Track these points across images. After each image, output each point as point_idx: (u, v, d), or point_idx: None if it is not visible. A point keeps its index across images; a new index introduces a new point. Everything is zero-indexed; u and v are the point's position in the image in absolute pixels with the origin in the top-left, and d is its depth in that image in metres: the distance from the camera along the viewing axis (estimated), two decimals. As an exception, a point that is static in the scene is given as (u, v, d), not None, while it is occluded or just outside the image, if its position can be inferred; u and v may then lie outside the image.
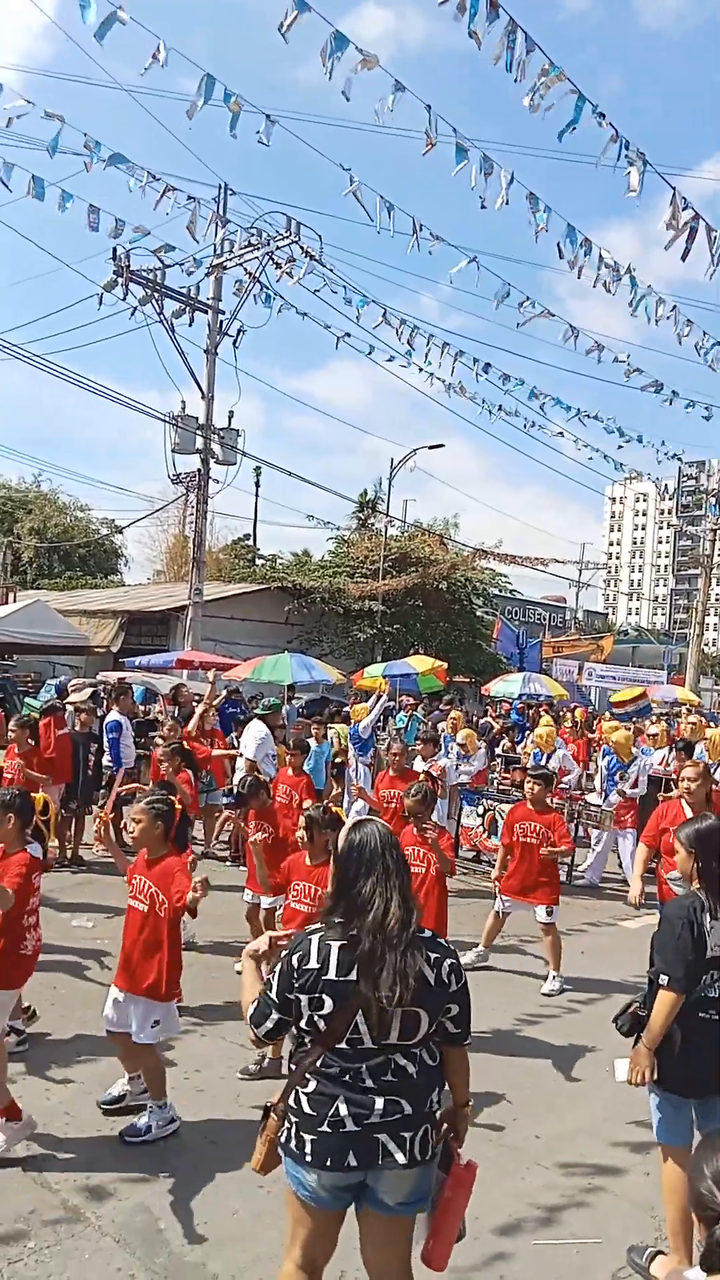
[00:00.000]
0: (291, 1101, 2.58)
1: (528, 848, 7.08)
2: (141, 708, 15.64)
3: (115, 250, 16.46)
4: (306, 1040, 2.58)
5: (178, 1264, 3.53)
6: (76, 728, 10.39)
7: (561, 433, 16.90)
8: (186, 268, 17.34)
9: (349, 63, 6.15)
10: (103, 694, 16.49)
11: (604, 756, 11.19)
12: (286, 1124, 2.60)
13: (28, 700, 14.88)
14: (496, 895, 7.42)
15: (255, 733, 9.91)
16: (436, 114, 6.46)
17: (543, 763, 10.95)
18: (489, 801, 10.72)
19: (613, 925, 9.18)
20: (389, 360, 15.02)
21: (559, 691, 20.39)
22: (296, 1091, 2.57)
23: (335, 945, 2.54)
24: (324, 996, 2.50)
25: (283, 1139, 2.61)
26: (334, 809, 4.88)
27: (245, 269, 18.63)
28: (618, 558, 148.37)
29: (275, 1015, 2.59)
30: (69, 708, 11.06)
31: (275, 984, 2.59)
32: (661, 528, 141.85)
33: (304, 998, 2.52)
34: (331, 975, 2.51)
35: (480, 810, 10.72)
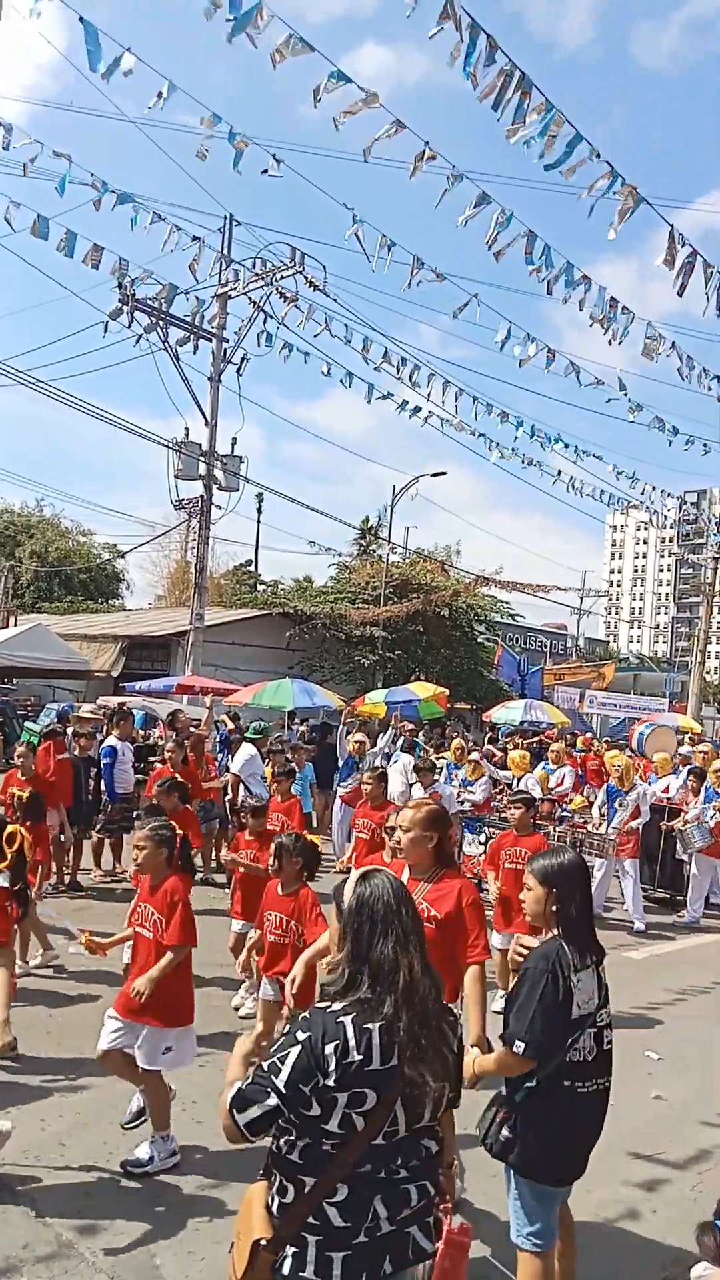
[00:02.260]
0: (312, 1219, 2.16)
1: (515, 874, 6.92)
2: (141, 732, 15.63)
3: (120, 279, 16.64)
4: (327, 1145, 2.15)
5: (174, 1300, 3.46)
6: (76, 753, 10.36)
7: (560, 471, 17.01)
8: (191, 298, 17.50)
9: (348, 98, 6.23)
10: (102, 719, 16.49)
11: (608, 794, 11.14)
12: (292, 1249, 2.17)
13: (27, 724, 14.82)
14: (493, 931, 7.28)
15: (244, 753, 10.14)
16: (434, 149, 6.53)
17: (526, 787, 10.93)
18: (491, 829, 10.59)
19: (614, 953, 9.09)
20: (384, 398, 15.09)
21: (560, 719, 20.37)
22: (321, 1206, 2.15)
23: (375, 1028, 2.16)
24: (367, 1091, 2.12)
25: (286, 1269, 2.16)
26: (309, 836, 4.85)
27: (249, 298, 18.83)
28: (619, 585, 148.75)
29: (272, 1103, 2.14)
30: (68, 732, 11.02)
31: (288, 1075, 2.13)
32: (663, 556, 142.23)
33: (342, 1095, 2.11)
34: (376, 1065, 2.14)
35: (482, 838, 10.54)
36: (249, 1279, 2.19)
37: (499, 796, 11.78)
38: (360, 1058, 2.13)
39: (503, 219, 7.06)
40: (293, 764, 9.14)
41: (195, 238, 12.21)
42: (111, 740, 10.94)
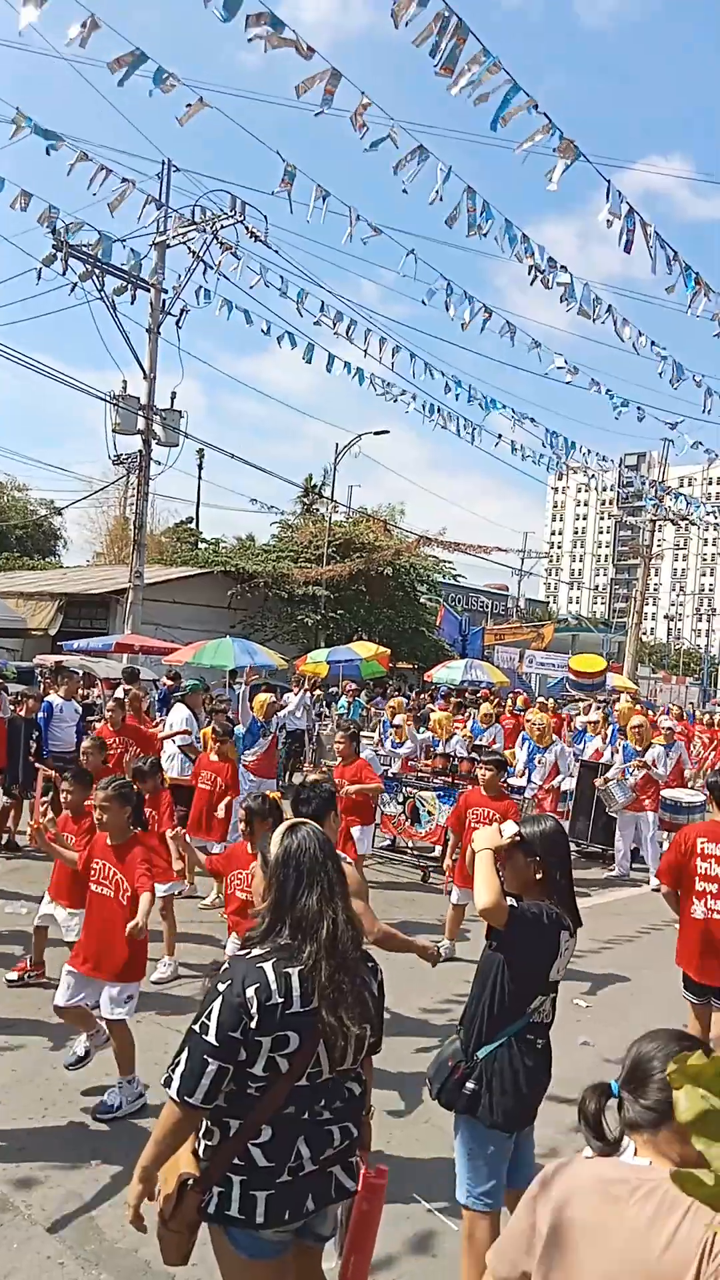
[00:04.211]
0: (237, 1160, 2.22)
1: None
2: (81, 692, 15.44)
3: (55, 224, 16.07)
4: (252, 1088, 2.21)
5: (109, 1250, 3.49)
6: (23, 713, 10.19)
7: (500, 435, 16.98)
8: (129, 246, 16.98)
9: (285, 46, 6.03)
10: (41, 678, 16.25)
11: (522, 744, 11.06)
12: (217, 1190, 2.23)
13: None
14: (452, 887, 7.40)
15: (180, 715, 10.00)
16: (370, 98, 6.38)
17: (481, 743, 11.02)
18: (408, 789, 10.54)
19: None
20: (328, 364, 14.87)
21: (500, 678, 20.62)
22: (245, 1147, 2.22)
23: (294, 972, 2.24)
24: (289, 1033, 2.19)
25: (211, 1207, 2.23)
26: (272, 795, 4.84)
27: (189, 248, 18.36)
28: (559, 547, 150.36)
29: (214, 1066, 2.16)
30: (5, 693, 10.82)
31: (215, 1026, 2.17)
32: (603, 518, 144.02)
33: (266, 1039, 2.17)
34: (297, 1007, 2.21)
35: (400, 798, 10.53)
36: (177, 1217, 2.24)
37: (416, 759, 11.76)
38: (281, 1000, 2.20)
39: (444, 171, 6.95)
40: (234, 724, 9.08)
41: (125, 179, 11.76)
42: (51, 697, 10.80)
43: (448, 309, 9.91)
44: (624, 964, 7.59)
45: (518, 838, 3.30)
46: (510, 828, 3.35)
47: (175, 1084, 2.19)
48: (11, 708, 10.36)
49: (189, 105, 6.91)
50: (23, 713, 10.20)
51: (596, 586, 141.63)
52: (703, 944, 4.93)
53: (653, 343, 9.94)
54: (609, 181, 6.95)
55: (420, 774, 11.22)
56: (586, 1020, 6.31)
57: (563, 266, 8.35)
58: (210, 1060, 2.16)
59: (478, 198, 7.37)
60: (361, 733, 10.06)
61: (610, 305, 9.05)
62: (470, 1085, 3.18)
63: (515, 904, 3.22)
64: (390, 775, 10.81)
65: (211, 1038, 2.16)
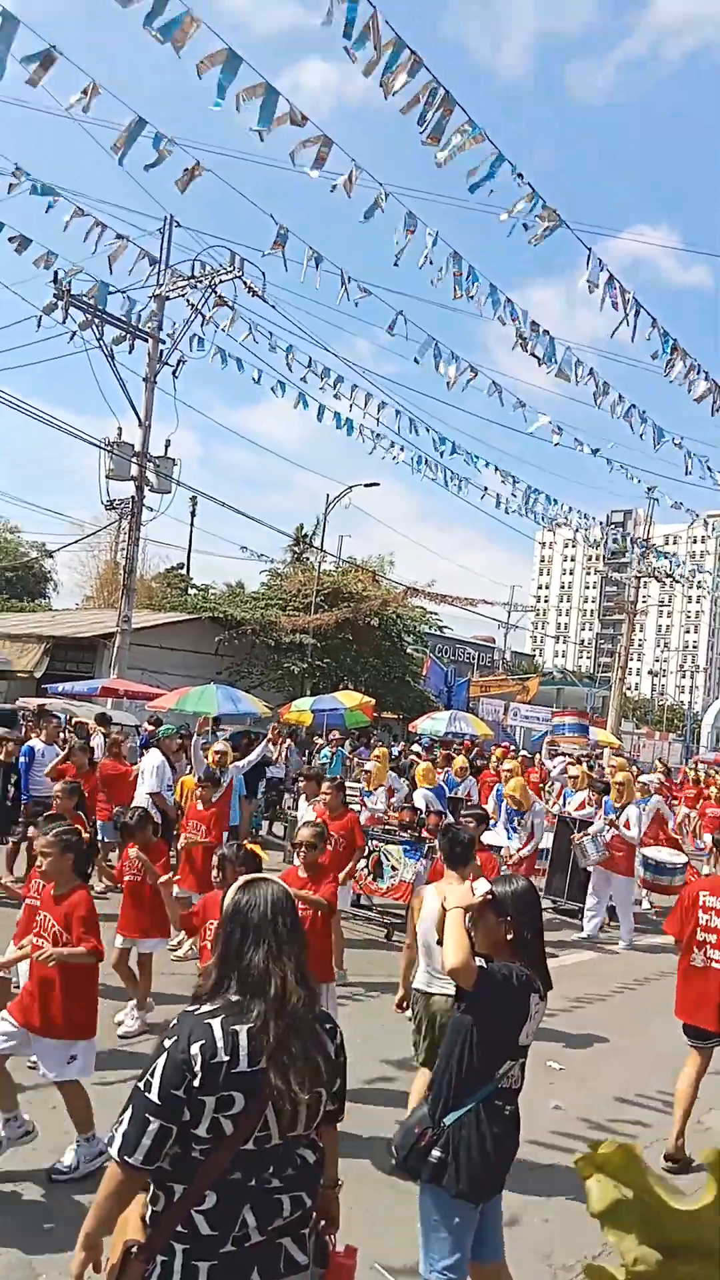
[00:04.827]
0: (180, 1227, 2.11)
1: None
2: (63, 735, 15.36)
3: (56, 273, 16.40)
4: (196, 1151, 2.12)
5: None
6: (2, 757, 10.14)
7: (485, 489, 17.24)
8: (126, 297, 17.30)
9: (281, 112, 6.26)
10: (23, 721, 16.16)
11: (498, 801, 10.84)
12: (161, 1259, 2.13)
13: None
14: None
15: (152, 761, 9.91)
16: (361, 166, 6.62)
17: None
18: (374, 842, 10.06)
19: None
20: (315, 411, 15.15)
21: (484, 731, 20.62)
22: (190, 1214, 2.11)
23: (243, 1030, 2.15)
24: (234, 1094, 2.10)
25: (154, 1278, 2.12)
26: (250, 846, 4.83)
27: (188, 300, 18.74)
28: (546, 600, 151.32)
29: (155, 1125, 2.08)
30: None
31: (159, 1083, 2.10)
32: (589, 573, 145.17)
33: (210, 1099, 2.08)
34: (243, 1066, 2.12)
35: (365, 852, 9.87)
36: None
37: (389, 810, 11.32)
38: (227, 1059, 2.11)
39: (432, 236, 7.18)
40: (217, 773, 9.03)
41: (120, 235, 12.04)
42: (32, 741, 10.76)
43: (437, 368, 10.14)
44: (596, 1025, 7.53)
45: (489, 896, 3.31)
46: (482, 886, 3.36)
47: (117, 1143, 2.12)
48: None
49: (186, 170, 7.14)
50: (2, 756, 10.15)
51: (582, 641, 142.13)
52: (702, 992, 5.22)
53: (632, 406, 10.18)
54: (590, 249, 7.22)
55: (388, 826, 10.86)
56: (559, 1082, 6.24)
57: (545, 330, 8.58)
58: (152, 1119, 2.08)
59: (464, 262, 7.61)
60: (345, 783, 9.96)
61: (591, 369, 9.30)
62: (436, 1153, 3.13)
63: (485, 965, 3.21)
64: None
65: (154, 1095, 2.09)
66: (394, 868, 9.74)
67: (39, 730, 11.04)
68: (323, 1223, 2.44)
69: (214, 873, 4.92)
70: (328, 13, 5.38)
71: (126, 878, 6.18)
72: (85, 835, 4.74)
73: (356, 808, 10.78)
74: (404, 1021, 6.97)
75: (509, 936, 3.23)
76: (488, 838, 10.63)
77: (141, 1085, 2.13)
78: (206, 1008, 2.23)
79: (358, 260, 10.09)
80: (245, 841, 5.93)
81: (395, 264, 6.96)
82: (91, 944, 4.31)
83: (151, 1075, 2.12)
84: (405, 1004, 5.16)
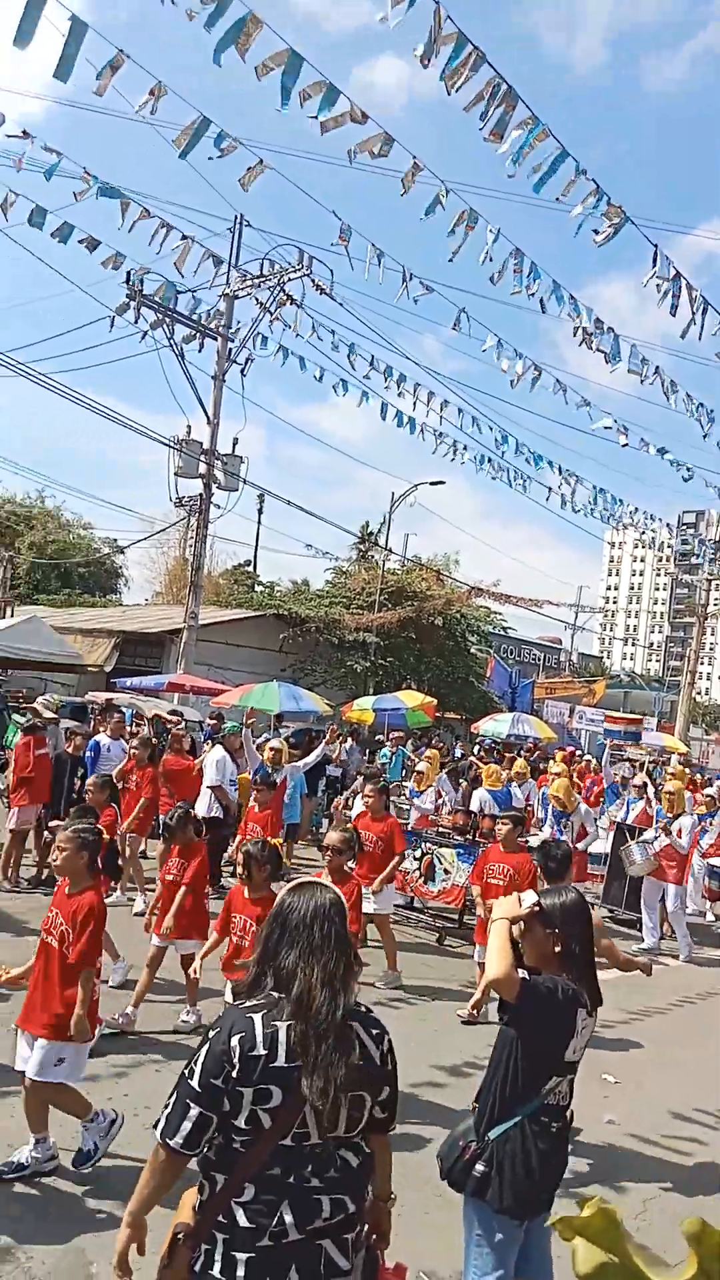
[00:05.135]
0: (221, 1217, 2.18)
1: (495, 891, 6.94)
2: (129, 729, 15.64)
3: (129, 274, 16.68)
4: (237, 1143, 2.19)
5: (108, 1307, 3.46)
6: (70, 750, 10.36)
7: (550, 490, 17.01)
8: (196, 295, 17.54)
9: (342, 109, 6.25)
10: (92, 715, 16.50)
11: (543, 806, 10.71)
12: (204, 1247, 2.21)
13: (15, 717, 14.84)
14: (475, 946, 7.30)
15: (214, 757, 10.03)
16: (423, 163, 6.56)
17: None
18: (427, 845, 10.08)
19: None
20: (381, 413, 15.13)
21: (547, 734, 20.36)
22: (229, 1204, 2.18)
23: (283, 1026, 2.21)
24: (272, 1087, 2.16)
25: (198, 1266, 2.19)
26: (275, 843, 4.85)
27: (256, 299, 18.89)
28: (615, 602, 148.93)
29: (195, 1111, 2.18)
30: (50, 727, 11.02)
31: (199, 1071, 2.19)
32: (659, 574, 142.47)
33: (248, 1090, 2.15)
34: (281, 1061, 2.18)
35: (417, 854, 10.00)
36: (169, 1271, 2.24)
37: (438, 813, 11.23)
38: (265, 1052, 2.17)
39: (493, 233, 7.09)
40: (272, 774, 9.07)
41: (185, 236, 12.19)
42: (98, 737, 10.99)
43: (500, 363, 10.02)
44: (652, 1038, 7.37)
45: (536, 908, 3.25)
46: (530, 897, 3.30)
47: (161, 1125, 2.23)
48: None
49: (250, 168, 7.19)
50: (70, 749, 10.37)
51: (651, 643, 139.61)
52: None
53: (700, 405, 9.92)
54: (655, 246, 7.04)
55: (441, 829, 10.75)
56: (613, 1095, 6.12)
57: (609, 328, 8.41)
58: (192, 1105, 2.18)
59: (525, 259, 7.50)
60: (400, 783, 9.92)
61: (658, 367, 9.07)
62: (480, 1167, 3.08)
63: (528, 977, 3.15)
64: (408, 830, 10.25)
65: (195, 1083, 2.19)
66: (446, 871, 9.66)
67: (105, 725, 11.26)
68: (374, 1237, 2.45)
69: (238, 870, 4.97)
70: (386, 11, 5.34)
71: (167, 878, 6.21)
72: (105, 836, 4.64)
73: (406, 807, 10.73)
74: (456, 1026, 6.96)
75: (556, 949, 3.18)
76: (533, 843, 10.54)
77: (186, 1073, 2.22)
78: (250, 1003, 2.29)
79: (421, 258, 10.06)
80: (275, 840, 5.95)
81: (450, 260, 6.91)
82: (89, 962, 4.27)
83: (194, 1064, 2.21)
84: (478, 1010, 5.16)
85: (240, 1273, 2.13)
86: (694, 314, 7.59)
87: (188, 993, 6.28)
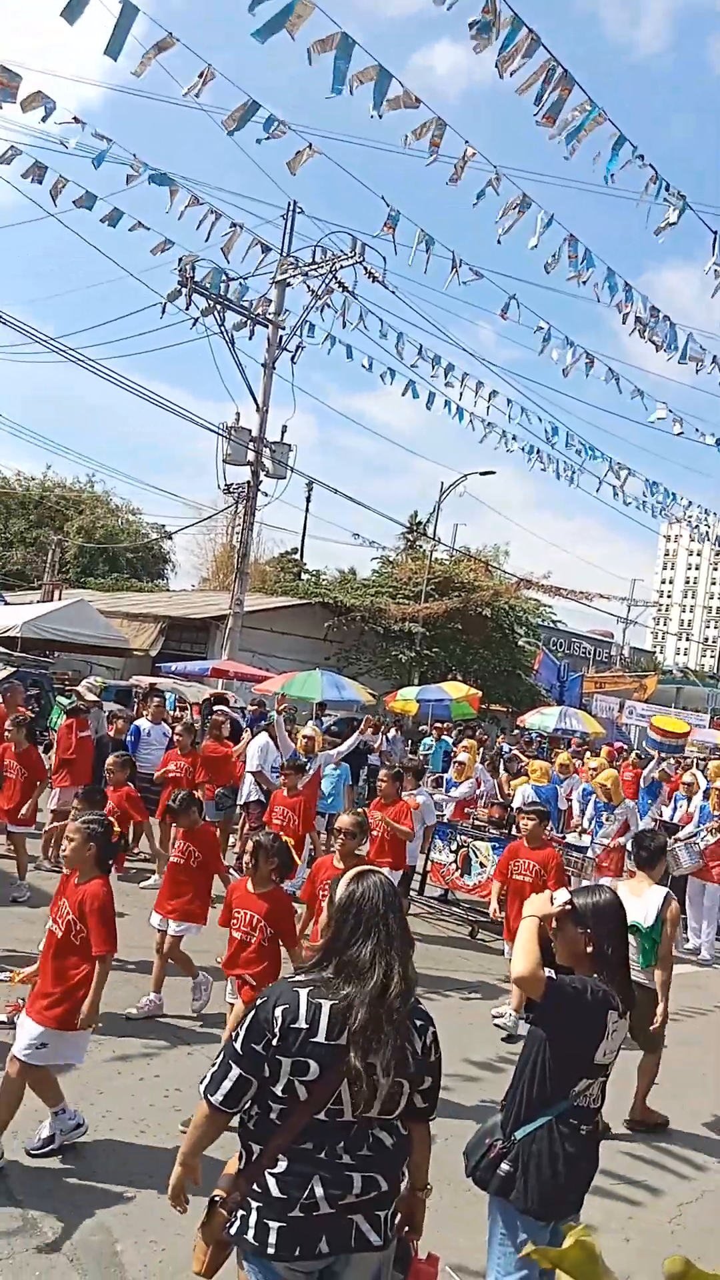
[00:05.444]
0: (255, 1186, 2.30)
1: (519, 886, 6.84)
2: (171, 714, 15.78)
3: (180, 261, 16.74)
4: (274, 1113, 2.30)
5: (127, 1287, 3.48)
6: (113, 734, 10.47)
7: (601, 480, 16.71)
8: (245, 283, 17.54)
9: (395, 94, 6.14)
10: (136, 698, 16.68)
11: (584, 796, 10.52)
12: (240, 1212, 2.32)
13: (58, 699, 15.05)
14: (505, 944, 7.20)
15: (257, 743, 10.08)
16: (475, 148, 6.42)
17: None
18: (463, 837, 10.01)
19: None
20: (428, 402, 14.97)
21: (595, 728, 20.12)
22: (263, 1174, 2.29)
23: (326, 1005, 2.30)
24: (310, 1061, 2.26)
25: (233, 1230, 2.32)
26: (285, 837, 4.79)
27: (308, 286, 18.85)
28: (669, 596, 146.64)
29: (236, 1073, 2.30)
30: (92, 710, 11.14)
31: (243, 1035, 2.32)
32: (716, 568, 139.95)
33: (286, 1061, 2.26)
34: (320, 1038, 2.27)
35: (453, 846, 9.97)
36: (206, 1231, 2.41)
37: (474, 806, 11.11)
38: (306, 1026, 2.27)
39: (545, 219, 6.94)
40: (301, 758, 9.04)
41: (235, 223, 12.17)
42: (140, 721, 11.09)
43: (550, 354, 9.85)
44: (690, 1040, 7.23)
45: (568, 907, 3.17)
46: (562, 895, 3.23)
47: (205, 1082, 2.38)
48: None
49: (299, 151, 7.13)
50: (112, 733, 10.49)
51: (706, 639, 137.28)
52: None
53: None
54: (715, 233, 6.81)
55: (478, 822, 10.67)
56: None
57: (665, 316, 8.18)
58: (234, 1066, 2.31)
59: (579, 245, 7.32)
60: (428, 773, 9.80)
61: (715, 356, 8.81)
62: (505, 1166, 3.03)
63: (555, 977, 3.08)
64: (444, 821, 10.31)
65: (238, 1045, 2.32)
66: (482, 864, 9.61)
67: (146, 709, 11.36)
68: (406, 1228, 2.56)
69: (246, 858, 4.90)
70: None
71: (172, 859, 6.21)
72: (116, 829, 4.61)
73: (439, 797, 10.61)
74: (488, 1021, 6.89)
75: (588, 949, 3.10)
76: (571, 839, 10.41)
77: (232, 1035, 2.38)
78: (300, 979, 2.41)
79: (471, 246, 9.88)
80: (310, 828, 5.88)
81: (498, 242, 6.78)
82: (102, 947, 4.26)
83: (240, 1028, 2.35)
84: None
85: (272, 1239, 2.24)
86: (753, 303, 7.37)
87: (185, 970, 6.16)
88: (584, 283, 7.47)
